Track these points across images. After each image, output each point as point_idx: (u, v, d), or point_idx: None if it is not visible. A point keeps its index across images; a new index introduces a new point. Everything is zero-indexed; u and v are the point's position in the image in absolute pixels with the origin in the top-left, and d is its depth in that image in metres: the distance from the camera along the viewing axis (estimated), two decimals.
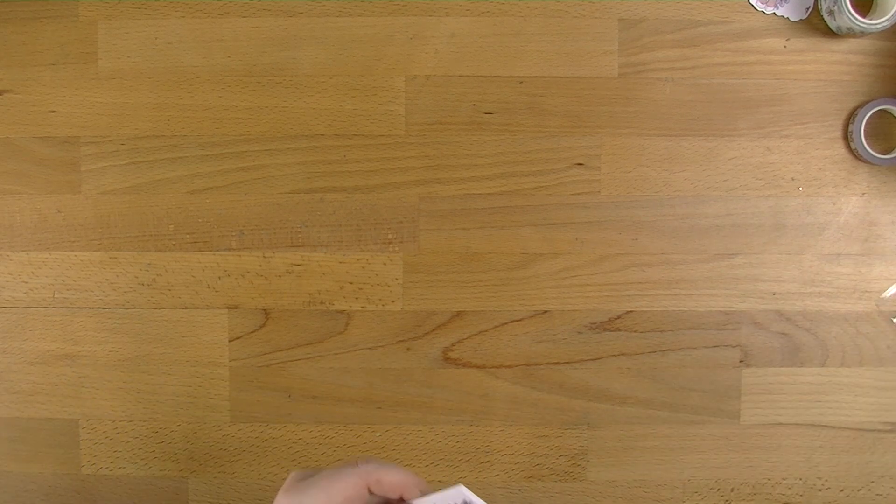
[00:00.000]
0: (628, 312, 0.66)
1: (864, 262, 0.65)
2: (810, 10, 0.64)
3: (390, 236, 0.66)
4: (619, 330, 0.66)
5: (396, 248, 0.66)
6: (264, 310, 0.67)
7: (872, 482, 0.66)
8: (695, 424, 0.66)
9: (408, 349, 0.67)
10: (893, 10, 0.60)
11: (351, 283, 0.66)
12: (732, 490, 0.67)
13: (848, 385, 0.66)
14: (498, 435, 0.67)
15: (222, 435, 0.68)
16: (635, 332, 0.66)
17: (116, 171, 0.66)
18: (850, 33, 0.63)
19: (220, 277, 0.67)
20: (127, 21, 0.66)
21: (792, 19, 0.65)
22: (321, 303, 0.66)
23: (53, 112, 0.66)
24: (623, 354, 0.66)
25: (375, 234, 0.66)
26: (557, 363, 0.66)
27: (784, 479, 0.66)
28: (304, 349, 0.67)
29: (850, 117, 0.65)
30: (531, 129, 0.66)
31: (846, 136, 0.65)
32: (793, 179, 0.65)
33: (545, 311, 0.66)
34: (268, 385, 0.67)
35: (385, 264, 0.66)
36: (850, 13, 0.60)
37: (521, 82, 0.66)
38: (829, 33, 0.65)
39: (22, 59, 0.66)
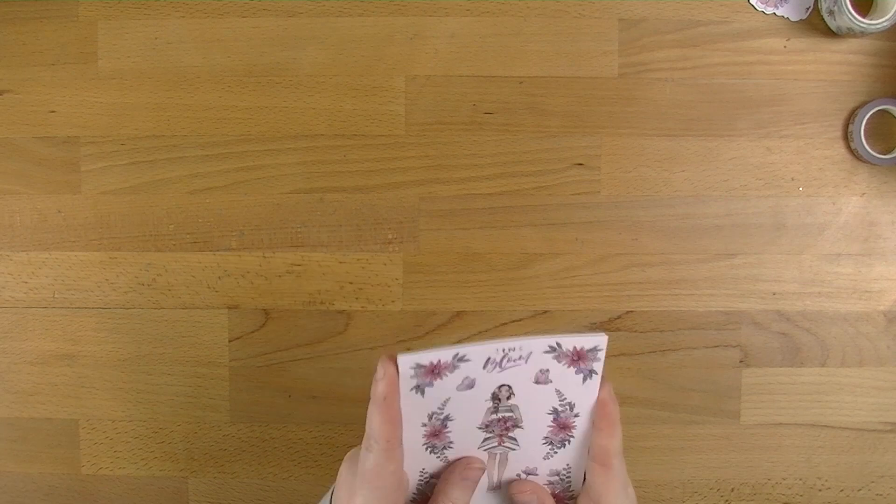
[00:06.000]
0: (628, 312, 0.66)
1: (864, 262, 0.65)
2: (810, 10, 0.64)
3: (390, 236, 0.66)
4: (619, 330, 0.66)
5: (396, 248, 0.66)
6: (264, 310, 0.67)
7: (872, 482, 0.66)
8: (695, 424, 0.66)
9: (408, 349, 0.66)
10: (893, 10, 0.60)
11: (351, 283, 0.66)
12: (732, 490, 0.67)
13: (848, 385, 0.66)
14: None
15: (222, 435, 0.68)
16: (635, 332, 0.66)
17: (116, 171, 0.66)
18: (850, 33, 0.63)
19: (220, 277, 0.67)
20: (127, 21, 0.66)
21: (792, 19, 0.65)
22: (321, 303, 0.66)
23: (53, 112, 0.66)
24: (623, 354, 0.66)
25: (375, 234, 0.66)
26: None
27: (784, 479, 0.66)
28: (304, 349, 0.67)
29: (850, 117, 0.65)
30: (531, 129, 0.66)
31: (846, 136, 0.65)
32: (793, 179, 0.65)
33: (545, 311, 0.66)
34: (268, 385, 0.67)
35: (385, 264, 0.66)
36: (850, 13, 0.60)
37: (521, 82, 0.65)
38: (829, 33, 0.65)
39: (22, 59, 0.66)
